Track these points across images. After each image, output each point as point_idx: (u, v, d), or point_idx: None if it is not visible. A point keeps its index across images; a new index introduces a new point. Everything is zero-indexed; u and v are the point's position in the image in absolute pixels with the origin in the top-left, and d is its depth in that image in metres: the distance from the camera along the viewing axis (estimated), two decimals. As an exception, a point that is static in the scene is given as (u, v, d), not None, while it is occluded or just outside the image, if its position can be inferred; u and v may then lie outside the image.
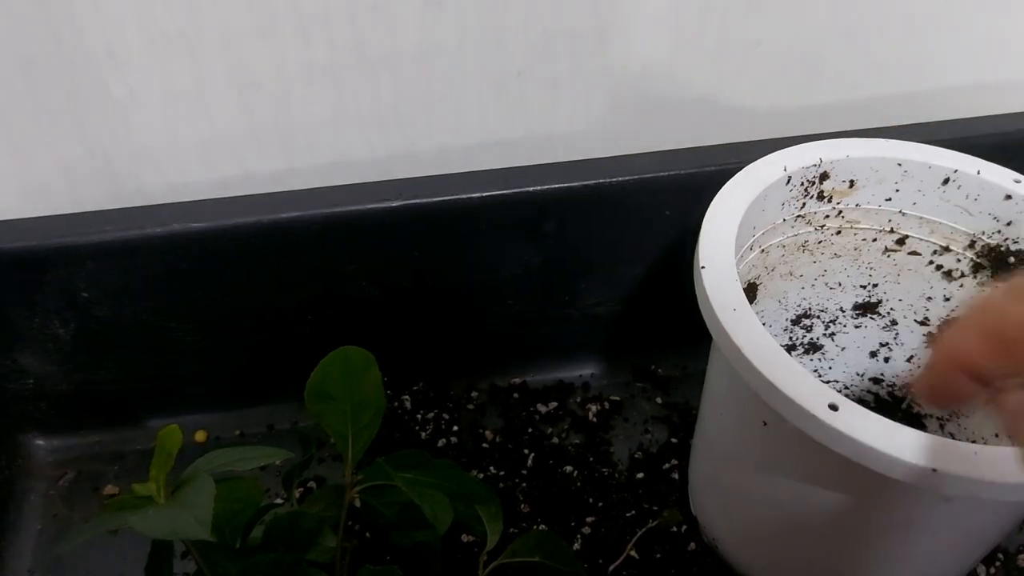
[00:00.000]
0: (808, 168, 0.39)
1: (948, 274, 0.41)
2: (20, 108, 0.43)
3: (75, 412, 0.48)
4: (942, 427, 0.45)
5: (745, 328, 0.31)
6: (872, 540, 0.34)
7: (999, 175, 0.38)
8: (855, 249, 0.42)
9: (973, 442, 0.30)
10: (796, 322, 0.46)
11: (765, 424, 0.33)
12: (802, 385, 0.29)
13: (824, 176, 0.39)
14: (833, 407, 0.29)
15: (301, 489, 0.47)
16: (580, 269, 0.49)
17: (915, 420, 0.46)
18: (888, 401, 0.47)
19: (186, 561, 0.43)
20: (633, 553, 0.43)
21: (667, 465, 0.47)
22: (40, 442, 0.49)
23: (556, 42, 0.47)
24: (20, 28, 0.40)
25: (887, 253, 0.42)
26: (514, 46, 0.47)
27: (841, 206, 0.41)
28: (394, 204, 0.44)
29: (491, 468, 0.47)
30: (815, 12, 0.49)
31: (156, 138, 0.46)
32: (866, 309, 0.45)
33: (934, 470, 0.27)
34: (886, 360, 0.46)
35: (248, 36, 0.43)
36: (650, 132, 0.53)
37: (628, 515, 0.45)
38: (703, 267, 0.34)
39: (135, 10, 0.40)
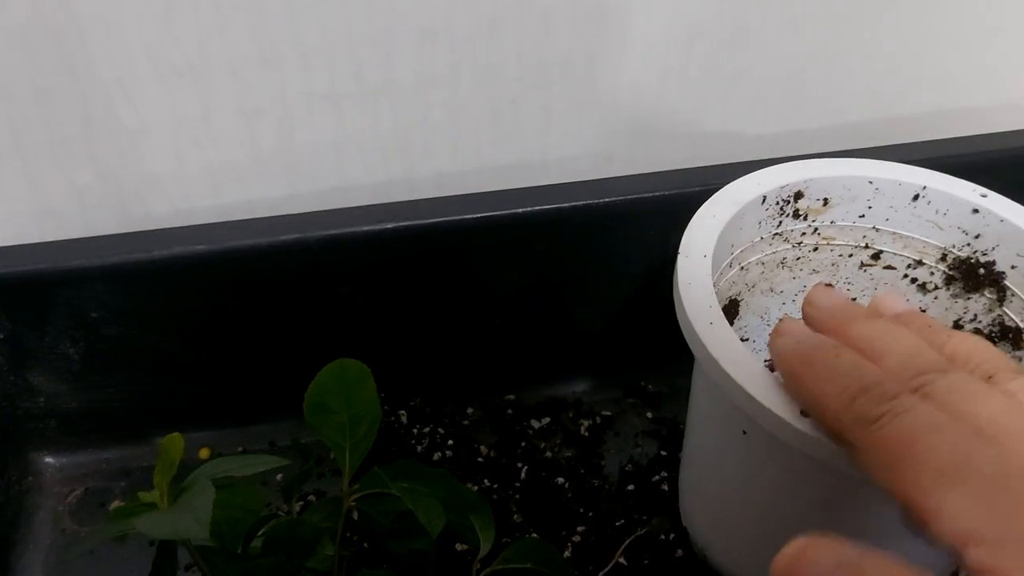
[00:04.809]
0: (783, 188, 0.40)
1: (923, 287, 0.43)
2: (35, 137, 0.45)
3: (83, 430, 0.50)
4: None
5: (721, 341, 0.33)
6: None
7: (966, 190, 0.40)
8: (832, 265, 0.44)
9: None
10: (780, 337, 0.47)
11: (745, 433, 0.35)
12: (776, 394, 0.31)
13: (799, 195, 0.41)
14: (805, 413, 0.30)
15: (301, 503, 0.48)
16: (571, 288, 0.51)
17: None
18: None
19: (189, 573, 0.45)
20: (622, 560, 0.44)
21: (656, 477, 0.49)
22: (49, 460, 0.50)
23: (548, 71, 0.49)
24: (36, 59, 0.42)
25: (863, 268, 0.44)
26: (508, 75, 0.49)
27: (817, 223, 0.42)
28: (389, 226, 0.46)
29: (485, 481, 0.48)
30: (797, 42, 0.51)
31: (164, 165, 0.48)
32: (846, 323, 0.46)
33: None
34: (867, 373, 0.48)
35: (252, 66, 0.45)
36: (640, 157, 0.55)
37: (618, 524, 0.46)
38: (681, 284, 0.35)
39: (145, 42, 0.43)
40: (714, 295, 0.34)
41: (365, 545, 0.45)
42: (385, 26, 0.45)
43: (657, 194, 0.48)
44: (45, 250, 0.44)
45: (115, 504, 0.49)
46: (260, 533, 0.38)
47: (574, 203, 0.47)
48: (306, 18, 0.44)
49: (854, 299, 0.45)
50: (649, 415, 0.53)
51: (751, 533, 0.39)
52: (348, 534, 0.45)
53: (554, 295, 0.51)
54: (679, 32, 0.49)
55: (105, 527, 0.32)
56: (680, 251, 0.37)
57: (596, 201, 0.48)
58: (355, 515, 0.43)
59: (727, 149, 0.56)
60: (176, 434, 0.32)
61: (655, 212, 0.48)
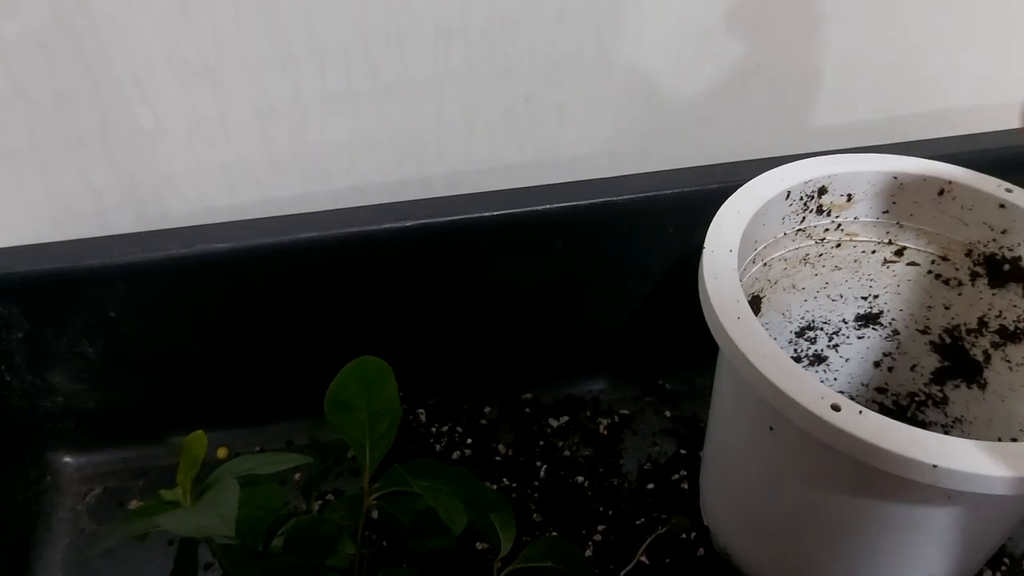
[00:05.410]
0: (806, 183, 0.40)
1: (947, 283, 0.42)
2: (53, 137, 0.45)
3: (101, 430, 0.50)
4: (946, 433, 0.45)
5: (750, 336, 0.33)
6: (880, 541, 0.35)
7: (991, 185, 0.39)
8: (855, 261, 0.44)
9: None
10: (800, 334, 0.47)
11: (771, 429, 0.34)
12: (805, 388, 0.31)
13: (822, 191, 0.41)
14: (836, 408, 0.30)
15: (320, 502, 0.48)
16: (588, 286, 0.51)
17: (920, 427, 0.47)
18: (893, 410, 0.48)
19: (209, 572, 0.44)
20: (643, 559, 0.44)
21: (676, 476, 0.48)
22: (67, 459, 0.50)
23: (562, 69, 0.49)
24: (54, 61, 0.42)
25: (886, 264, 0.43)
26: (522, 73, 0.48)
27: (840, 219, 0.42)
28: (407, 224, 0.46)
29: (504, 479, 0.48)
30: (811, 38, 0.51)
31: (180, 165, 0.48)
32: (868, 320, 0.46)
33: (934, 466, 0.28)
34: (890, 370, 0.47)
35: (268, 66, 0.45)
36: (654, 155, 0.54)
37: (638, 523, 0.46)
38: (707, 278, 0.35)
39: (162, 43, 0.43)
40: (741, 289, 0.34)
41: (384, 544, 0.45)
42: (400, 25, 0.45)
43: (674, 191, 0.48)
44: (64, 249, 0.44)
45: (134, 503, 0.49)
46: (280, 532, 0.37)
47: (591, 200, 0.47)
48: (321, 17, 0.44)
49: (876, 296, 0.45)
50: (667, 414, 0.53)
51: (777, 530, 0.39)
52: (367, 533, 0.45)
53: (571, 293, 0.51)
54: (693, 29, 0.49)
55: (127, 525, 0.32)
56: (705, 246, 0.36)
57: (613, 198, 0.47)
58: (374, 514, 0.43)
59: (741, 146, 0.55)
60: (199, 432, 0.32)
61: (672, 209, 0.48)
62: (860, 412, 0.30)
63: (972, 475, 0.28)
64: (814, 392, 0.30)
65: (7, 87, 0.43)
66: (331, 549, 0.38)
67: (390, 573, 0.37)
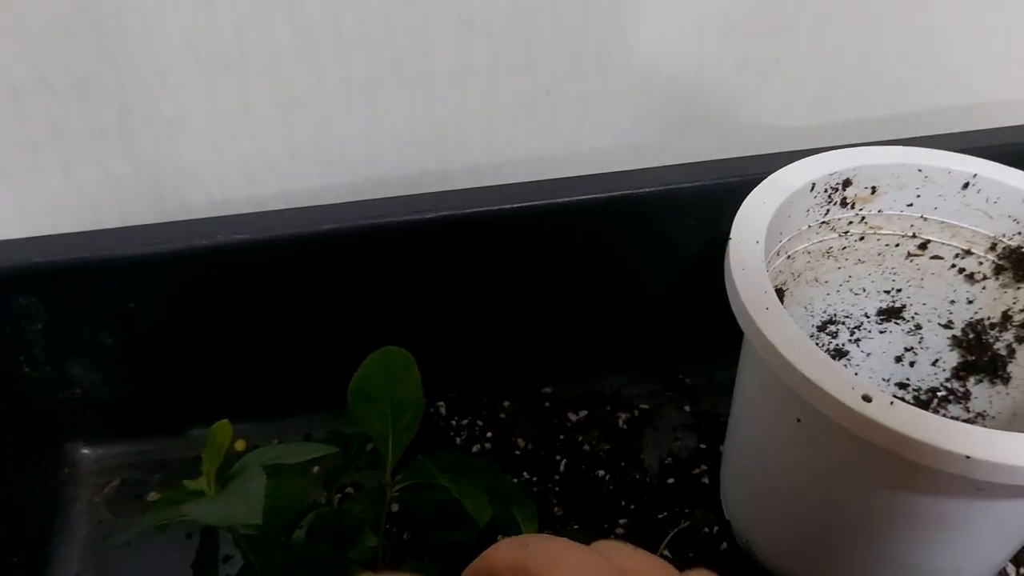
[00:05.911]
0: (831, 175, 0.40)
1: (971, 277, 0.42)
2: (74, 127, 0.45)
3: (119, 422, 0.50)
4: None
5: (778, 326, 0.32)
6: (906, 534, 0.35)
7: (1018, 178, 0.39)
8: (878, 254, 0.43)
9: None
10: (822, 328, 0.47)
11: (799, 421, 0.34)
12: (836, 378, 0.30)
13: (847, 183, 0.40)
14: (867, 398, 0.30)
15: (340, 495, 0.48)
16: (607, 280, 0.50)
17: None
18: (914, 405, 0.48)
19: (228, 565, 0.44)
20: (666, 553, 0.44)
21: (697, 470, 0.48)
22: (85, 451, 0.50)
23: (584, 61, 0.49)
24: (76, 49, 0.42)
25: (910, 258, 0.43)
26: (543, 66, 0.48)
27: (864, 212, 0.42)
28: (427, 216, 0.46)
29: (524, 473, 0.48)
30: (831, 32, 0.51)
31: (201, 156, 0.48)
32: (890, 314, 0.46)
33: (967, 457, 0.28)
34: (911, 364, 0.47)
35: (290, 57, 0.45)
36: (674, 149, 0.54)
37: (660, 517, 0.45)
38: (734, 269, 0.35)
39: (184, 32, 0.43)
40: (768, 280, 0.34)
41: (405, 536, 0.45)
42: (423, 15, 0.45)
43: (695, 184, 0.48)
44: (84, 240, 0.44)
45: (152, 496, 0.48)
46: (301, 524, 0.37)
47: (612, 193, 0.47)
48: (344, 8, 0.44)
49: (899, 290, 0.45)
50: (687, 408, 0.53)
51: (802, 524, 0.39)
52: (388, 525, 0.44)
53: (591, 286, 0.51)
54: (715, 23, 0.49)
55: (150, 515, 0.31)
56: (731, 236, 0.36)
57: (634, 191, 0.47)
58: (394, 506, 0.43)
59: (762, 141, 0.55)
60: (224, 421, 0.32)
61: (693, 203, 0.48)
62: (891, 403, 0.30)
63: (1004, 466, 0.28)
64: (845, 382, 0.30)
65: (30, 76, 0.42)
66: (353, 541, 0.37)
67: (413, 566, 0.36)
